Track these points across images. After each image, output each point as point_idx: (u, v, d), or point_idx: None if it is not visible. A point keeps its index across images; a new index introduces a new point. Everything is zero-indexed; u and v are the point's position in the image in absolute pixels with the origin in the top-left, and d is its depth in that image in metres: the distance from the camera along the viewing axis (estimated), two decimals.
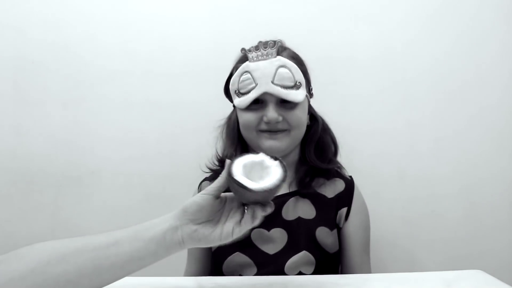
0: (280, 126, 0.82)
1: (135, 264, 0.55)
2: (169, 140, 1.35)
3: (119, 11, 1.35)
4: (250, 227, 0.57)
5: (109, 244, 0.53)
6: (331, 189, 0.90)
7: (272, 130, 0.82)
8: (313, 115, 0.93)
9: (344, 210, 0.89)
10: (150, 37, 1.35)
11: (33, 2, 1.34)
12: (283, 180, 0.57)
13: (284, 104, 0.82)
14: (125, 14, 1.35)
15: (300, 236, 0.85)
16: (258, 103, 0.82)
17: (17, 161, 1.34)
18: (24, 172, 1.34)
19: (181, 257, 1.32)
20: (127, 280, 0.73)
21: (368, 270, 0.89)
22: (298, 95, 0.80)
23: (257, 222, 0.57)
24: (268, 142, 0.82)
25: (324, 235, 0.85)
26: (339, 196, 0.89)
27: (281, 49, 0.84)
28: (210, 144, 1.06)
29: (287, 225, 0.85)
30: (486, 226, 1.36)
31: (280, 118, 0.81)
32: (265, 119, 0.81)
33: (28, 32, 1.34)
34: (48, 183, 1.35)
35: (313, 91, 0.95)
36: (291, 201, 0.87)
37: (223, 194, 0.60)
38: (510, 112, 1.36)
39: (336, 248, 0.87)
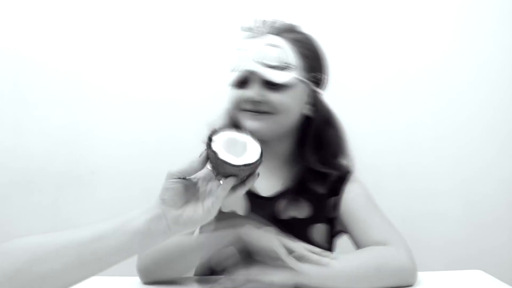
0: (262, 108, 0.77)
1: (121, 255, 0.55)
2: (169, 140, 1.35)
3: (119, 12, 1.35)
4: (225, 194, 0.57)
5: (94, 239, 0.53)
6: (326, 183, 0.85)
7: (254, 111, 0.78)
8: (315, 106, 0.84)
9: (333, 200, 0.84)
10: (150, 37, 1.35)
11: (33, 2, 1.34)
12: (261, 156, 0.58)
13: (270, 85, 0.76)
14: (124, 14, 1.35)
15: (293, 236, 0.80)
16: (245, 83, 0.78)
17: (17, 161, 1.34)
18: (24, 172, 1.34)
19: None
20: (127, 280, 0.73)
21: (387, 231, 0.78)
22: (281, 76, 0.75)
23: (235, 192, 0.58)
24: (249, 122, 0.78)
25: (319, 232, 0.83)
26: (331, 188, 0.84)
27: (283, 30, 0.79)
28: None
29: (280, 225, 0.80)
30: (486, 226, 1.36)
31: (259, 98, 0.76)
32: (245, 97, 0.77)
33: (28, 32, 1.34)
34: (48, 183, 1.35)
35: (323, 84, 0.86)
36: (284, 200, 0.83)
37: (193, 177, 0.59)
38: (510, 111, 1.36)
39: (329, 244, 0.85)
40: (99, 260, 0.53)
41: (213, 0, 1.35)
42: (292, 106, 0.79)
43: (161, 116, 1.35)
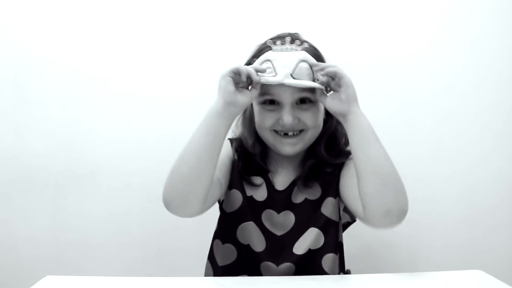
0: (296, 127, 0.82)
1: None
2: (169, 140, 1.35)
3: (119, 11, 1.35)
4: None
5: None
6: (334, 166, 0.91)
7: (288, 132, 0.82)
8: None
9: (337, 173, 0.90)
10: (150, 36, 1.35)
11: (33, 2, 1.34)
12: None
13: (300, 105, 0.81)
14: (125, 14, 1.35)
15: (307, 216, 0.87)
16: (274, 104, 0.82)
17: (17, 161, 1.34)
18: (24, 172, 1.34)
19: (183, 258, 1.32)
20: (129, 280, 0.74)
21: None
22: (314, 94, 0.80)
23: None
24: (285, 147, 0.84)
25: (329, 205, 0.88)
26: (339, 165, 0.90)
27: (304, 44, 0.83)
28: None
29: (294, 208, 0.88)
30: (486, 226, 1.36)
31: (296, 121, 0.81)
32: (281, 122, 0.81)
33: (28, 31, 1.34)
34: (48, 182, 1.35)
35: None
36: (298, 186, 0.89)
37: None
38: (509, 112, 1.36)
39: (338, 218, 0.89)
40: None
41: (213, 0, 1.35)
42: (320, 118, 0.86)
43: (161, 115, 1.35)
